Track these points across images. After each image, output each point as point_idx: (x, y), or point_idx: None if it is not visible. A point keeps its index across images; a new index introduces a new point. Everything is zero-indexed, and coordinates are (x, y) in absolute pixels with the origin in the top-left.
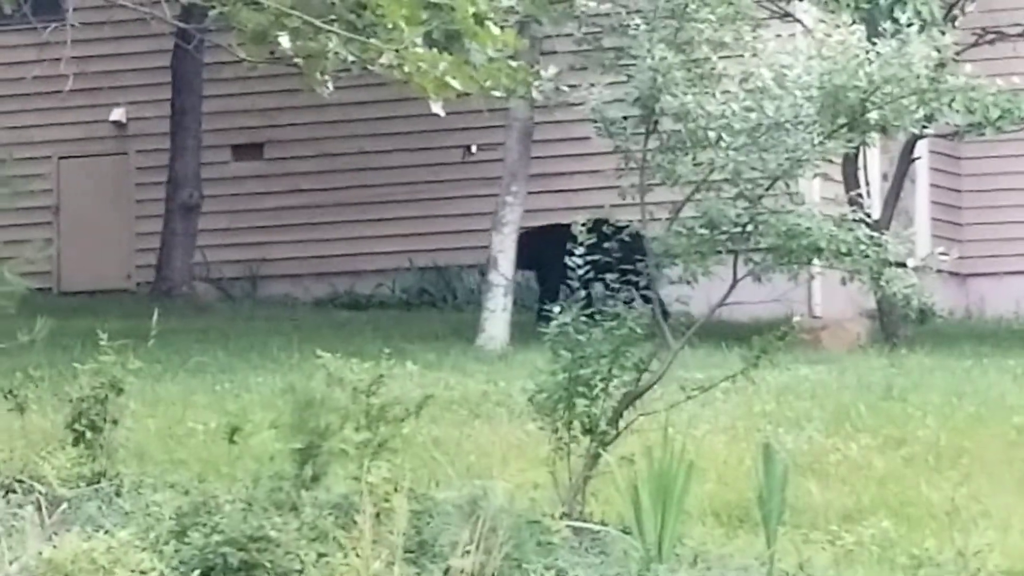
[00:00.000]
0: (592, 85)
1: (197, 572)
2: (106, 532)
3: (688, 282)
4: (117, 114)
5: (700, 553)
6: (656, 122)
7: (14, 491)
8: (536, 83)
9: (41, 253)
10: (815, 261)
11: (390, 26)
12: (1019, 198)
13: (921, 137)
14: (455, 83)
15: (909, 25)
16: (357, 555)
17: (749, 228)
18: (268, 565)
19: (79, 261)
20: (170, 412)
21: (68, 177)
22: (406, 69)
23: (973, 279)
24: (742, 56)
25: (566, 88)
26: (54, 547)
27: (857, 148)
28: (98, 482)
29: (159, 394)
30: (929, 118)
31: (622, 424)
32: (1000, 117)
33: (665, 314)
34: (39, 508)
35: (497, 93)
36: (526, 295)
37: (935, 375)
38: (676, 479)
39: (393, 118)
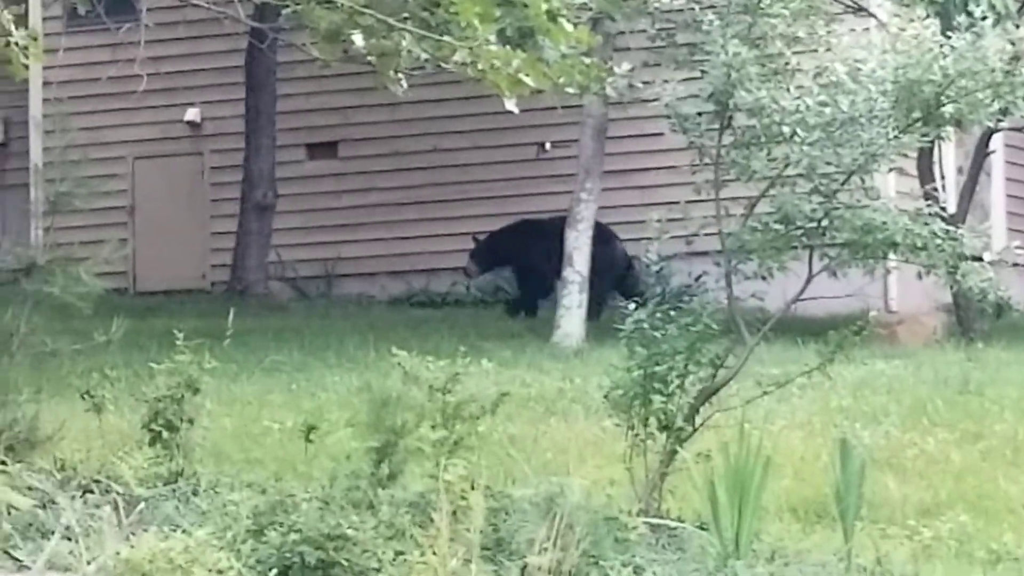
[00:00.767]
0: (666, 81)
1: (274, 571)
2: (183, 531)
3: (763, 277)
4: (192, 114)
5: (777, 549)
6: (730, 117)
7: (91, 491)
8: (610, 79)
9: (117, 253)
10: (891, 256)
11: (463, 24)
12: None
13: (996, 131)
14: (529, 80)
15: (983, 18)
16: (434, 553)
17: (824, 223)
18: (345, 564)
19: (154, 261)
20: (246, 411)
21: (143, 177)
22: (480, 66)
23: None
24: (816, 51)
25: (640, 84)
26: (131, 547)
27: (932, 142)
28: (175, 482)
29: (235, 393)
30: (1004, 111)
31: (698, 420)
32: None
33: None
34: (116, 508)
35: (571, 90)
36: None
37: (1012, 369)
38: (753, 475)
39: (467, 116)
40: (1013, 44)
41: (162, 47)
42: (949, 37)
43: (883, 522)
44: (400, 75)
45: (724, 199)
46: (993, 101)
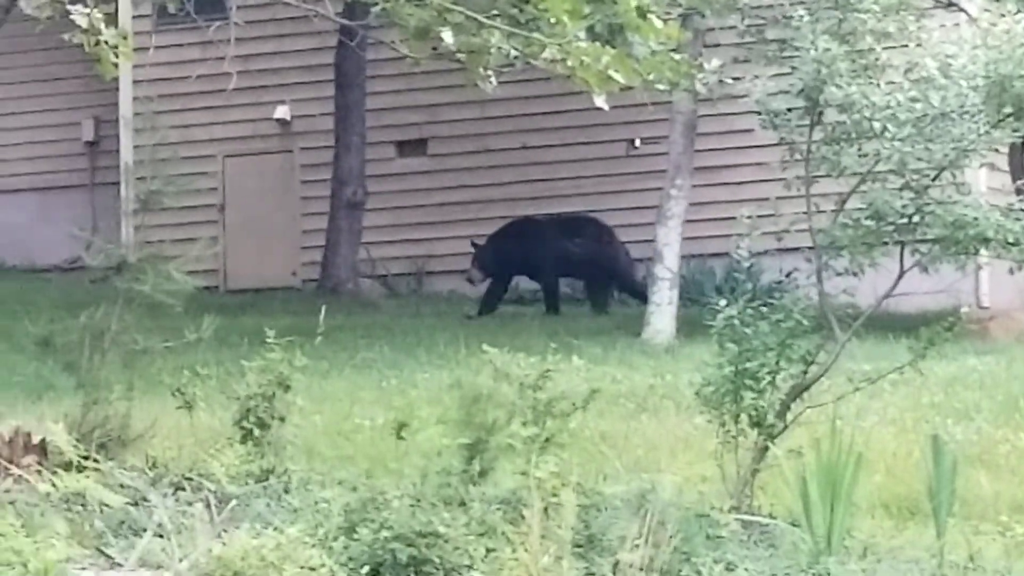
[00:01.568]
0: (756, 77)
1: (366, 568)
2: (275, 529)
3: (854, 273)
4: (281, 112)
5: (869, 545)
6: (820, 113)
7: (183, 489)
8: (699, 76)
9: (207, 251)
10: (982, 251)
11: (553, 20)
12: None
13: None
14: (618, 76)
15: None
16: (526, 550)
17: (915, 219)
18: (437, 560)
19: (245, 259)
20: (337, 408)
21: (233, 175)
22: (569, 63)
23: None
24: (906, 46)
25: (729, 80)
26: (223, 544)
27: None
28: (266, 479)
29: (326, 391)
30: None
31: (790, 417)
32: None
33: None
34: (208, 506)
35: (660, 86)
36: (692, 288)
37: None
38: (845, 471)
39: (556, 112)
40: None
41: (252, 45)
42: None
43: (975, 519)
44: (489, 72)
45: (815, 195)
46: None
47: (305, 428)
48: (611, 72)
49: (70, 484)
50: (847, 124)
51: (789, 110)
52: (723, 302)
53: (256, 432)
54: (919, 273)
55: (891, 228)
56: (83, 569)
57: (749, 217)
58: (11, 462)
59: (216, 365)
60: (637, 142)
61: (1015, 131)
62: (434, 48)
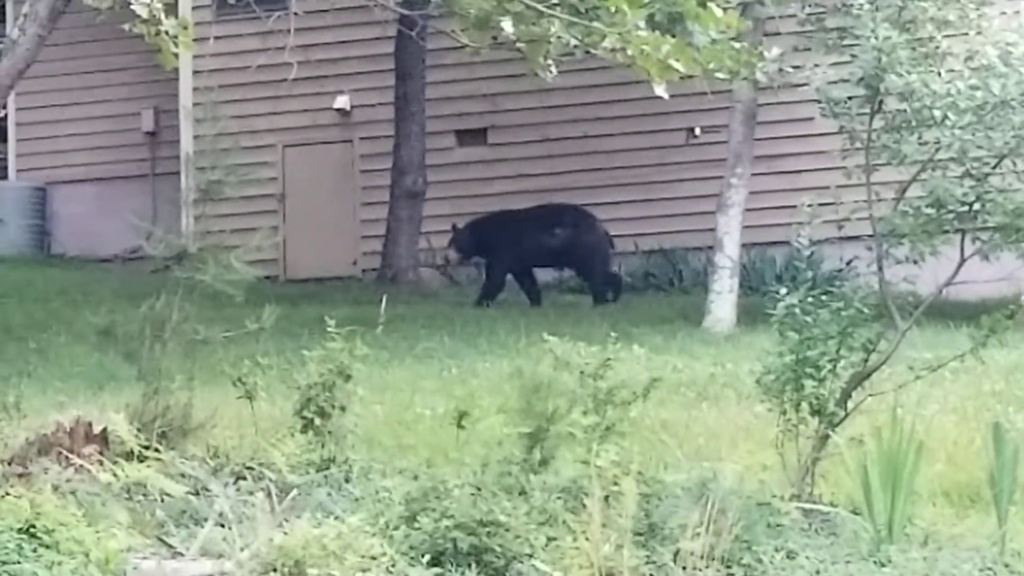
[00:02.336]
0: (816, 65)
1: (427, 557)
2: (336, 518)
3: (915, 261)
4: (341, 102)
5: (931, 534)
6: (881, 102)
7: (244, 478)
8: (760, 64)
9: (267, 241)
10: None
11: (613, 9)
12: None
13: None
14: (678, 65)
15: None
16: (586, 539)
17: (976, 207)
18: (498, 549)
19: (305, 248)
20: (398, 398)
21: (293, 165)
22: (629, 52)
23: None
24: (967, 34)
25: (790, 69)
26: (285, 533)
27: None
28: (327, 468)
29: (387, 380)
30: None
31: (850, 405)
32: None
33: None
34: (269, 495)
35: (720, 75)
36: (752, 276)
37: None
38: (906, 460)
39: (616, 101)
40: None
41: (311, 35)
42: None
43: None
44: (549, 61)
45: (875, 183)
46: None
47: (366, 417)
48: (671, 61)
49: (131, 474)
50: (907, 112)
51: (849, 98)
52: (783, 290)
53: (317, 421)
54: (979, 261)
55: (951, 216)
56: (144, 559)
57: (809, 206)
58: (72, 452)
59: (276, 355)
60: (697, 131)
61: None
62: (494, 37)
